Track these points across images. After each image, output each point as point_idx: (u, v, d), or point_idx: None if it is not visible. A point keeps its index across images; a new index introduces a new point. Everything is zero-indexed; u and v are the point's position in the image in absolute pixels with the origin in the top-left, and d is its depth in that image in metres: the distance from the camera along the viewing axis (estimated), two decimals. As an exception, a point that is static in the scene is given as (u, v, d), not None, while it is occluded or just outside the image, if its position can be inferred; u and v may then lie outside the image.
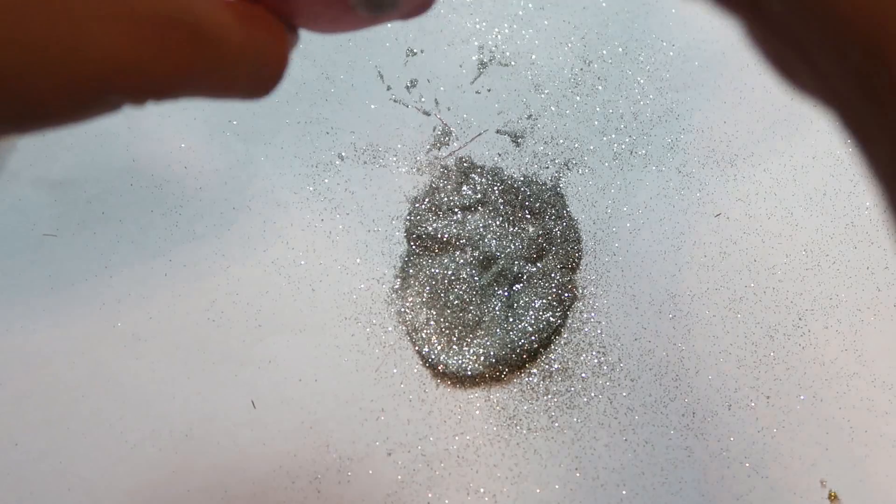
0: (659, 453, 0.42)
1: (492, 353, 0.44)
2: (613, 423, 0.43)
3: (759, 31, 0.17)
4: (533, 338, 0.44)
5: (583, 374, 0.44)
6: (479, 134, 0.49)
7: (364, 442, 0.43)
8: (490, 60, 0.51)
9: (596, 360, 0.44)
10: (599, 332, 0.45)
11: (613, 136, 0.50)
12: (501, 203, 0.47)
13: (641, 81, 0.50)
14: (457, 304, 0.45)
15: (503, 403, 0.43)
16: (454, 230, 0.46)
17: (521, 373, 0.44)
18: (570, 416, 0.43)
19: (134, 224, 0.47)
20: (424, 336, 0.44)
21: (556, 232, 0.47)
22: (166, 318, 0.45)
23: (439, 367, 0.44)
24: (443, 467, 0.42)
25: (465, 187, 0.48)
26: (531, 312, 0.45)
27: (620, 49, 0.51)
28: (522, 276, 0.46)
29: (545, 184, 0.48)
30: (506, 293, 0.45)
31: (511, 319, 0.45)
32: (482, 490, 0.42)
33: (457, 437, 0.43)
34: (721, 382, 0.43)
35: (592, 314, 0.45)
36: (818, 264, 0.46)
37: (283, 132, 0.49)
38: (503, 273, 0.45)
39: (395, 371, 0.44)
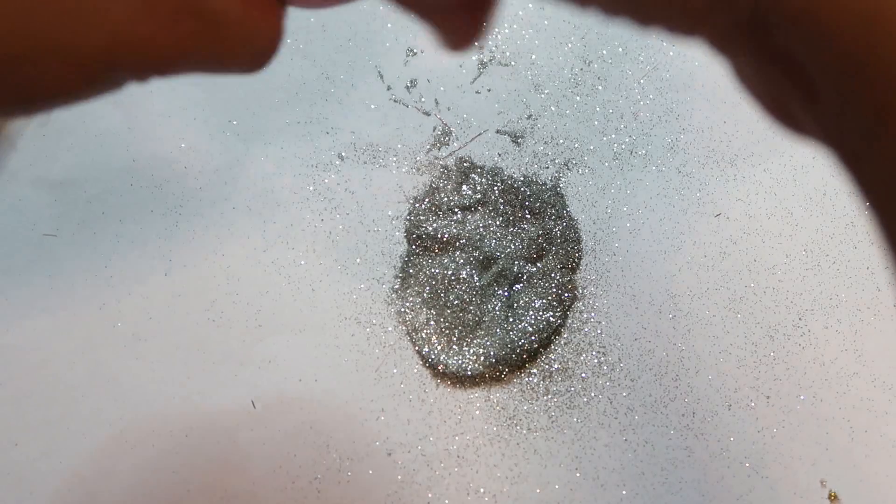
0: (659, 453, 0.42)
1: (492, 353, 0.44)
2: (613, 423, 0.43)
3: (755, 71, 0.17)
4: (533, 338, 0.44)
5: (583, 374, 0.44)
6: (479, 134, 0.49)
7: (364, 442, 0.43)
8: (490, 60, 0.51)
9: (596, 360, 0.44)
10: (599, 332, 0.45)
11: (613, 136, 0.50)
12: (501, 203, 0.47)
13: (641, 81, 0.50)
14: (457, 304, 0.45)
15: (503, 403, 0.43)
16: (454, 230, 0.46)
17: (521, 373, 0.44)
18: (570, 416, 0.43)
19: (134, 224, 0.47)
20: (424, 336, 0.44)
21: (556, 232, 0.47)
22: (166, 318, 0.45)
23: (439, 367, 0.44)
24: (443, 467, 0.42)
25: (465, 187, 0.48)
26: (531, 312, 0.45)
27: (620, 49, 0.51)
28: (522, 276, 0.46)
29: (545, 184, 0.48)
30: (506, 293, 0.45)
31: (511, 319, 0.45)
32: (482, 490, 0.42)
33: (457, 437, 0.43)
34: (721, 382, 0.43)
35: (592, 314, 0.45)
36: (818, 264, 0.46)
37: (283, 132, 0.49)
38: (503, 273, 0.45)
39: (395, 371, 0.44)
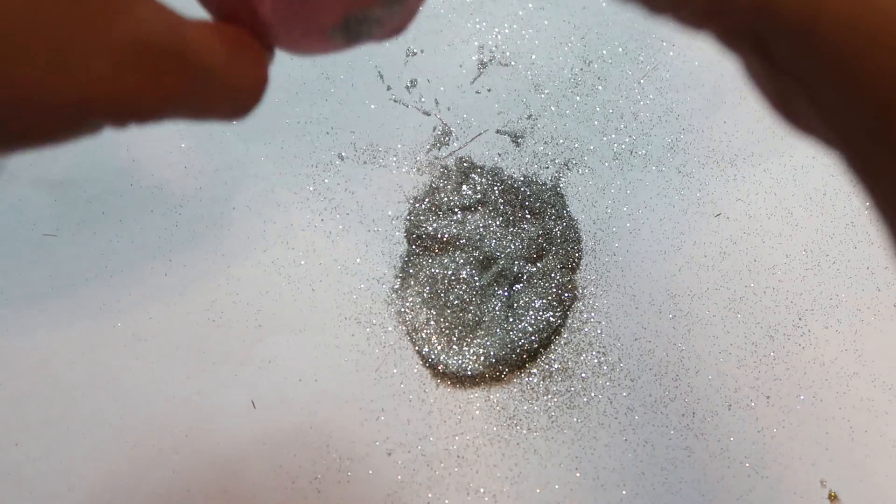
0: (659, 453, 0.42)
1: (492, 353, 0.44)
2: (613, 423, 0.43)
3: (762, 69, 0.17)
4: (533, 338, 0.44)
5: (583, 374, 0.44)
6: (479, 134, 0.49)
7: (364, 442, 0.43)
8: (490, 60, 0.51)
9: (596, 360, 0.44)
10: (599, 332, 0.45)
11: (613, 136, 0.50)
12: (501, 203, 0.47)
13: (641, 81, 0.50)
14: (457, 304, 0.45)
15: (503, 403, 0.43)
16: (454, 230, 0.46)
17: (521, 373, 0.44)
18: (570, 416, 0.43)
19: (134, 224, 0.47)
20: (424, 336, 0.44)
21: (556, 232, 0.47)
22: (166, 318, 0.45)
23: (439, 367, 0.44)
24: (443, 467, 0.42)
25: (465, 187, 0.48)
26: (531, 312, 0.45)
27: (620, 49, 0.51)
28: (522, 276, 0.46)
29: (545, 184, 0.48)
30: (506, 293, 0.45)
31: (511, 319, 0.45)
32: (482, 490, 0.42)
33: (457, 437, 0.43)
34: (721, 382, 0.43)
35: (592, 314, 0.45)
36: (818, 264, 0.46)
37: (283, 132, 0.49)
38: (503, 273, 0.45)
39: (395, 371, 0.44)
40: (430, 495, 0.42)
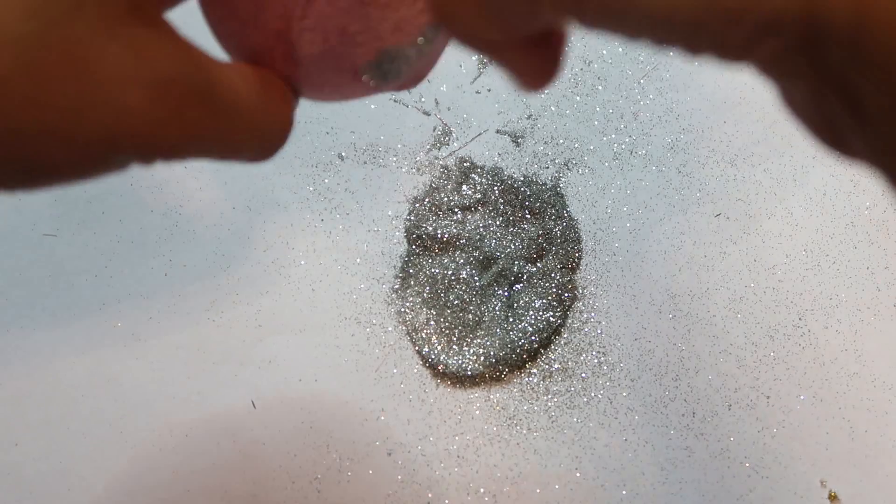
0: (659, 453, 0.42)
1: (492, 353, 0.44)
2: (613, 423, 0.43)
3: (805, 94, 0.17)
4: (533, 338, 0.44)
5: (583, 374, 0.44)
6: (479, 134, 0.49)
7: (364, 442, 0.43)
8: (490, 60, 0.51)
9: (596, 360, 0.44)
10: (599, 332, 0.45)
11: (613, 136, 0.50)
12: (501, 203, 0.47)
13: (641, 81, 0.50)
14: (457, 304, 0.45)
15: (503, 403, 0.43)
16: (454, 230, 0.46)
17: (521, 373, 0.44)
18: (570, 416, 0.43)
19: (134, 224, 0.47)
20: (424, 336, 0.44)
21: (556, 232, 0.47)
22: (166, 318, 0.45)
23: (439, 367, 0.44)
24: (443, 467, 0.42)
25: (465, 187, 0.48)
26: (531, 312, 0.45)
27: (620, 49, 0.51)
28: (522, 276, 0.46)
29: (545, 184, 0.48)
30: (506, 293, 0.45)
31: (511, 319, 0.45)
32: (482, 490, 0.42)
33: (457, 437, 0.43)
34: (721, 382, 0.43)
35: (592, 314, 0.45)
36: (818, 264, 0.46)
37: (283, 132, 0.49)
38: (503, 273, 0.45)
39: (395, 371, 0.44)
40: (430, 495, 0.42)
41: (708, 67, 0.50)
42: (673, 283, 0.46)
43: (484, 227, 0.47)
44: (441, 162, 0.49)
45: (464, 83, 0.50)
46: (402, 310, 0.45)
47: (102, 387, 0.44)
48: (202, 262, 0.46)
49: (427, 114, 0.50)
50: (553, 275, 0.45)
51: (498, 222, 0.47)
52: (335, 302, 0.46)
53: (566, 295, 0.45)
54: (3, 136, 0.16)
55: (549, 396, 0.44)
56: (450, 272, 0.45)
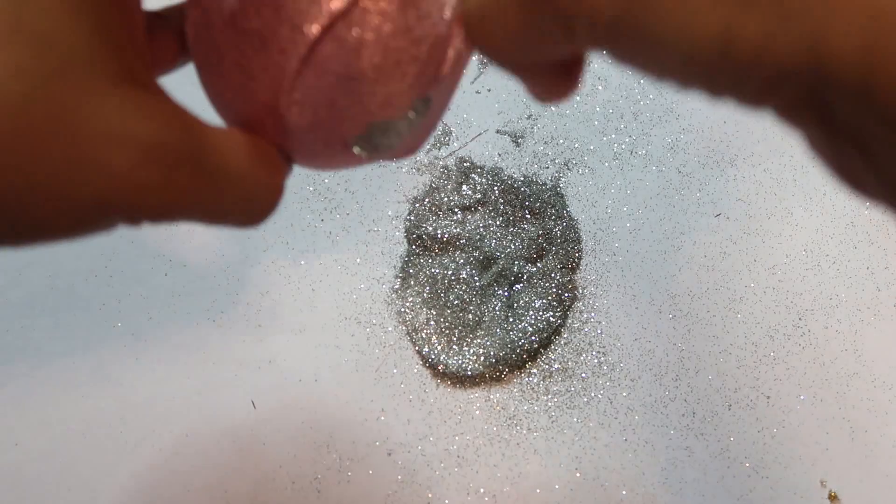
0: (659, 453, 0.42)
1: (492, 353, 0.44)
2: (613, 423, 0.43)
3: (823, 139, 0.17)
4: (533, 338, 0.44)
5: (583, 374, 0.44)
6: (479, 134, 0.49)
7: (364, 442, 0.43)
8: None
9: (596, 360, 0.44)
10: (599, 332, 0.45)
11: (613, 136, 0.50)
12: (501, 203, 0.47)
13: (641, 81, 0.50)
14: (457, 304, 0.45)
15: (503, 403, 0.43)
16: (454, 230, 0.46)
17: (521, 373, 0.44)
18: (570, 416, 0.43)
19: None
20: (424, 336, 0.44)
21: (556, 232, 0.47)
22: (166, 318, 0.45)
23: (439, 367, 0.44)
24: (443, 467, 0.42)
25: (465, 187, 0.48)
26: (531, 312, 0.45)
27: (620, 49, 0.51)
28: (522, 276, 0.46)
29: (545, 184, 0.48)
30: (506, 293, 0.45)
31: (511, 319, 0.45)
32: (482, 490, 0.42)
33: (457, 437, 0.43)
34: (721, 382, 0.43)
35: (592, 314, 0.45)
36: (818, 264, 0.46)
37: (283, 132, 0.49)
38: (503, 273, 0.45)
39: (395, 371, 0.44)
40: (430, 495, 0.42)
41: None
42: (673, 283, 0.46)
43: (484, 227, 0.47)
44: (441, 162, 0.49)
45: (464, 83, 0.50)
46: (402, 310, 0.45)
47: (102, 387, 0.44)
48: (202, 262, 0.46)
49: (427, 114, 0.50)
50: (553, 275, 0.45)
51: (498, 222, 0.47)
52: (335, 302, 0.46)
53: (566, 295, 0.45)
54: None
55: (549, 396, 0.44)
56: (450, 272, 0.45)
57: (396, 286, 0.46)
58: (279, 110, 0.20)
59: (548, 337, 0.44)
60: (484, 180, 0.48)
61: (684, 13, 0.15)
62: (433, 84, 0.21)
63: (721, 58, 0.15)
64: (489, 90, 0.50)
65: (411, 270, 0.46)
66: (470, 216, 0.47)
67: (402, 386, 0.44)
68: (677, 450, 0.42)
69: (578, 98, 0.50)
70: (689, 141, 0.49)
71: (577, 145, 0.49)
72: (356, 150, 0.21)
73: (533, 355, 0.44)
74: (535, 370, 0.44)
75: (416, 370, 0.44)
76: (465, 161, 0.48)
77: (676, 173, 0.48)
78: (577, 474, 0.42)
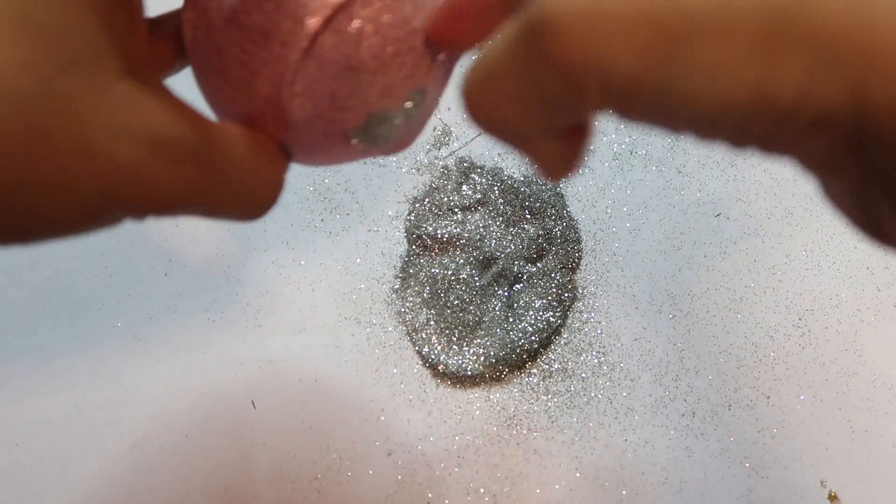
0: (659, 453, 0.42)
1: (492, 353, 0.44)
2: (613, 423, 0.43)
3: (847, 187, 0.16)
4: (533, 338, 0.44)
5: (583, 374, 0.44)
6: (480, 134, 0.49)
7: (364, 442, 0.43)
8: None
9: (596, 360, 0.44)
10: (599, 332, 0.45)
11: (613, 136, 0.50)
12: (501, 203, 0.47)
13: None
14: (457, 304, 0.45)
15: (503, 403, 0.43)
16: (454, 230, 0.46)
17: (521, 373, 0.44)
18: (570, 416, 0.43)
19: (134, 224, 0.47)
20: (424, 336, 0.44)
21: (556, 232, 0.47)
22: (166, 318, 0.45)
23: (439, 367, 0.44)
24: (443, 467, 0.42)
25: (465, 187, 0.48)
26: (531, 312, 0.45)
27: (620, 49, 0.51)
28: (522, 276, 0.46)
29: (545, 184, 0.48)
30: (506, 293, 0.45)
31: (511, 319, 0.45)
32: (482, 490, 0.42)
33: (457, 437, 0.43)
34: (721, 382, 0.43)
35: (592, 314, 0.45)
36: (818, 264, 0.46)
37: (283, 132, 0.49)
38: (503, 273, 0.45)
39: (395, 371, 0.44)
40: (430, 495, 0.42)
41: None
42: (673, 283, 0.46)
43: (484, 227, 0.47)
44: (441, 162, 0.49)
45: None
46: (402, 310, 0.45)
47: (102, 387, 0.44)
48: (202, 262, 0.46)
49: (427, 114, 0.50)
50: (553, 275, 0.45)
51: (498, 222, 0.47)
52: (335, 302, 0.46)
53: (566, 295, 0.45)
54: None
55: (549, 396, 0.44)
56: (450, 272, 0.45)
57: (396, 286, 0.46)
58: (281, 103, 0.20)
59: (548, 337, 0.44)
60: (484, 180, 0.48)
61: (715, 66, 0.14)
62: (429, 74, 0.21)
63: (756, 108, 0.14)
64: (489, 90, 0.50)
65: (411, 270, 0.46)
66: (470, 216, 0.47)
67: (402, 386, 0.44)
68: (677, 450, 0.42)
69: (578, 98, 0.50)
70: (689, 141, 0.49)
71: (577, 145, 0.49)
72: (355, 141, 0.22)
73: (533, 355, 0.44)
74: (535, 370, 0.44)
75: (416, 370, 0.44)
76: (465, 161, 0.48)
77: (676, 173, 0.48)
78: (577, 474, 0.42)
